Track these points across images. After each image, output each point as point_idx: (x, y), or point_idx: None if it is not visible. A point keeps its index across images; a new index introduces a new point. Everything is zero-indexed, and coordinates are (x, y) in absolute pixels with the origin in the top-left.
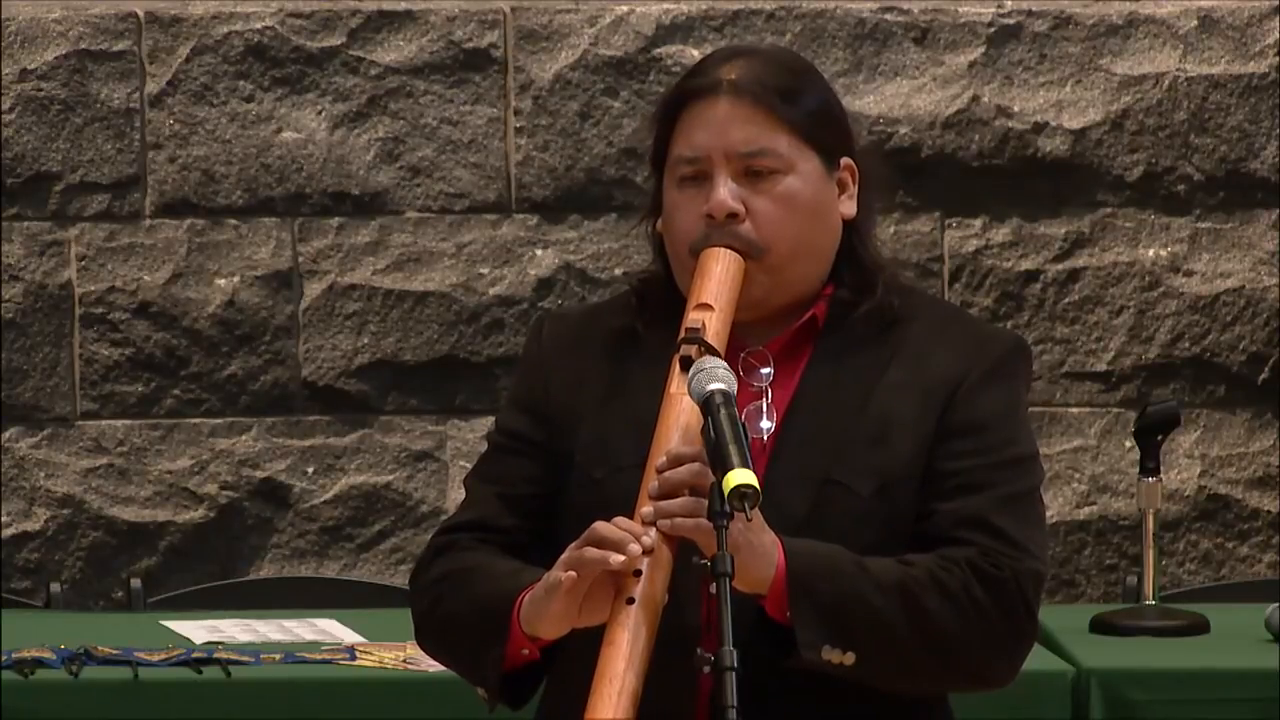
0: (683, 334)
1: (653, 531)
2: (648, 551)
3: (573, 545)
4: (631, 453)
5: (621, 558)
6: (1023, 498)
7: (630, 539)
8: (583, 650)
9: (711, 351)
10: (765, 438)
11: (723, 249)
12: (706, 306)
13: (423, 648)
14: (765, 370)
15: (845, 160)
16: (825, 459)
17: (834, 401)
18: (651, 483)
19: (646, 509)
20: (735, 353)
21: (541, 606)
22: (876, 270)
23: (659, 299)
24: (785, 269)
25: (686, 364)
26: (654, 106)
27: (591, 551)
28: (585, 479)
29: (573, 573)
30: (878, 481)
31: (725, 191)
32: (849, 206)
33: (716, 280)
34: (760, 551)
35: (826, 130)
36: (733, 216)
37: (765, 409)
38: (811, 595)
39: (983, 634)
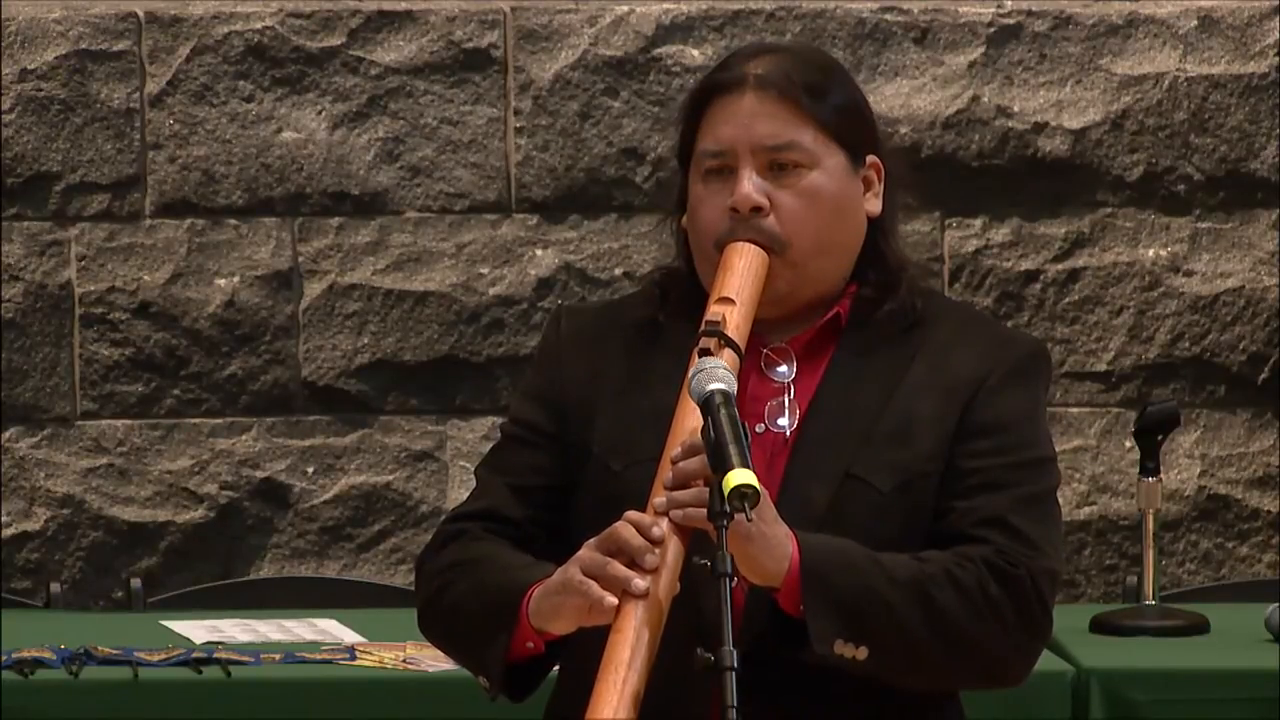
0: (703, 327)
1: (664, 522)
2: (657, 542)
3: (591, 542)
4: (651, 445)
5: (644, 584)
6: (1040, 498)
7: (649, 548)
8: (596, 644)
9: (731, 345)
10: (787, 434)
11: (746, 244)
12: (728, 300)
13: (424, 633)
14: (787, 367)
15: (871, 158)
16: (846, 454)
17: (856, 399)
18: (665, 473)
19: (659, 499)
20: (757, 349)
21: (556, 601)
22: (900, 269)
23: (681, 293)
24: (808, 264)
25: (705, 356)
26: (654, 106)
27: (617, 568)
28: (604, 470)
29: (613, 598)
30: (898, 478)
31: (750, 185)
32: (874, 204)
33: (739, 275)
34: (774, 544)
35: (853, 127)
36: (757, 210)
37: (787, 405)
38: (825, 588)
39: (997, 631)
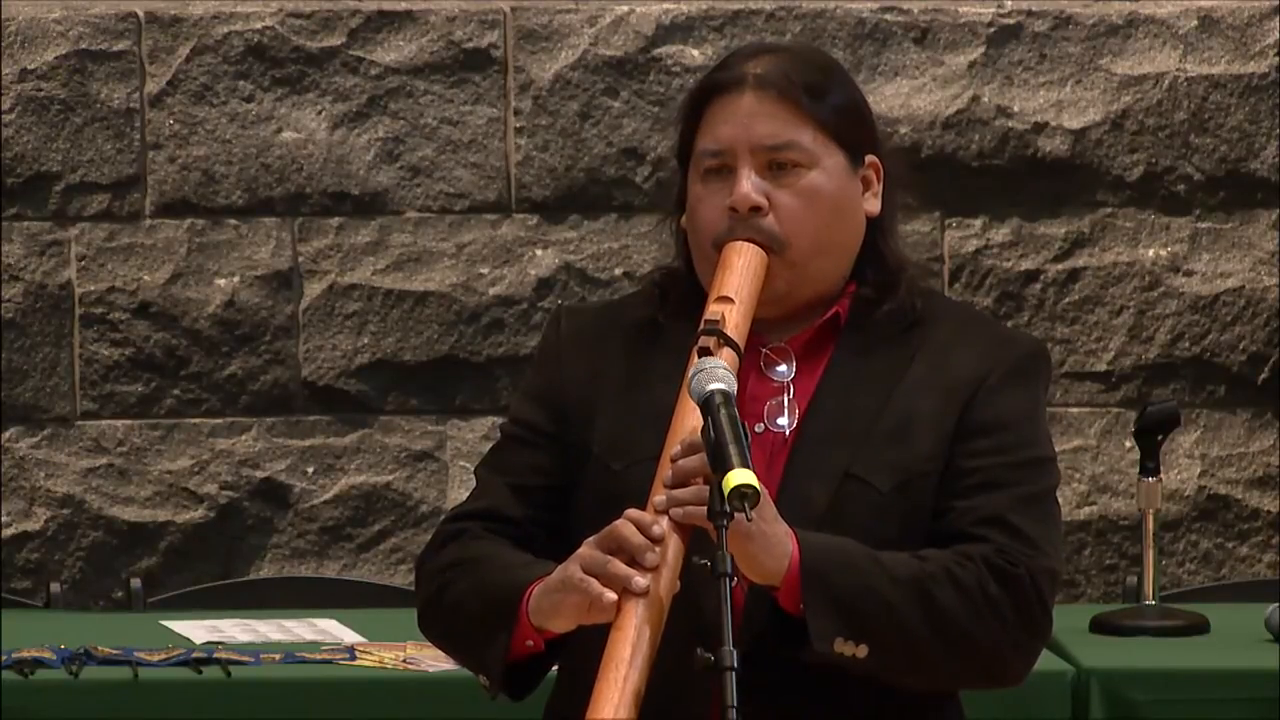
0: (702, 325)
1: (664, 520)
2: (657, 540)
3: (591, 540)
4: (650, 444)
5: (644, 582)
6: (1040, 498)
7: (649, 546)
8: (595, 643)
9: (730, 344)
10: (786, 433)
11: (745, 243)
12: (727, 299)
13: (424, 633)
14: (786, 367)
15: (870, 158)
16: (846, 454)
17: (855, 398)
18: (665, 471)
19: (659, 497)
20: (757, 349)
21: (556, 599)
22: (899, 269)
23: (681, 293)
24: (807, 264)
25: (705, 355)
26: (654, 106)
27: (617, 566)
28: (604, 470)
29: (613, 595)
30: (897, 477)
31: (749, 184)
32: (873, 204)
33: (738, 274)
34: (774, 542)
35: (852, 127)
36: (756, 210)
37: (786, 405)
38: (825, 587)
39: (997, 630)
